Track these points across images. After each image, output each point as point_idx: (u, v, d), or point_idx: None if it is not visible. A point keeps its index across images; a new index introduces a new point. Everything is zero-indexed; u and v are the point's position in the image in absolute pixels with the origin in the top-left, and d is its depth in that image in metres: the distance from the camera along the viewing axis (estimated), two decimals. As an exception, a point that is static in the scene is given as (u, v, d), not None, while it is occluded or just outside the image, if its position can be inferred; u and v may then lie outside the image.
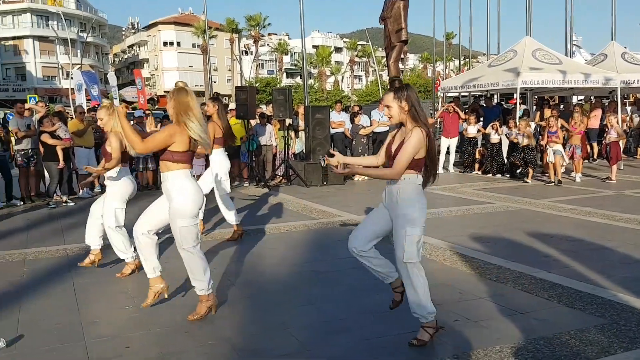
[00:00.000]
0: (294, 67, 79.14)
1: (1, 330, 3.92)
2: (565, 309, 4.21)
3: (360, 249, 3.71)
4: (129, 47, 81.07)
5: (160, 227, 4.26)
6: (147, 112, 14.64)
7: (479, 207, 8.78)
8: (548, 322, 3.92)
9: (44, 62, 58.19)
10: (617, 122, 12.09)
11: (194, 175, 4.17)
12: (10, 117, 15.90)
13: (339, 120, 13.88)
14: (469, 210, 8.56)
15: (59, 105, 16.82)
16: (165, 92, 62.80)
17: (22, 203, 9.95)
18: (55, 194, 9.84)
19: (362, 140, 12.70)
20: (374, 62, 61.50)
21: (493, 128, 12.56)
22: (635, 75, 14.54)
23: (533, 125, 13.21)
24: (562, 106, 16.78)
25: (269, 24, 67.88)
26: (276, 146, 12.85)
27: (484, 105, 15.66)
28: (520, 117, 13.08)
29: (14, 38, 57.60)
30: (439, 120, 14.42)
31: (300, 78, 68.18)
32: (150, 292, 4.28)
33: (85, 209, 5.72)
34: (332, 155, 3.73)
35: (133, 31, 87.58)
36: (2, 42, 57.62)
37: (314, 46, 77.47)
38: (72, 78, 27.68)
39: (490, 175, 12.62)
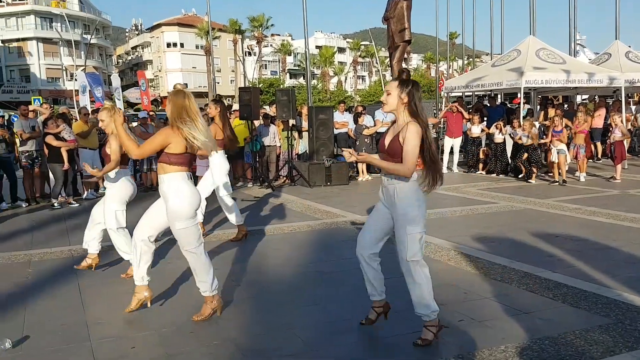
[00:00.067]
0: (297, 68, 79.17)
1: (7, 331, 3.94)
2: (570, 308, 4.20)
3: (370, 252, 3.74)
4: (132, 48, 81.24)
5: (160, 231, 4.27)
6: (151, 113, 14.65)
7: (483, 207, 8.77)
8: (553, 322, 3.92)
9: (48, 64, 58.36)
10: (622, 122, 12.05)
11: (191, 178, 4.18)
12: (15, 119, 15.96)
13: (343, 120, 13.88)
14: (473, 210, 8.55)
15: (63, 107, 16.88)
16: (169, 93, 62.82)
17: (26, 204, 9.99)
18: (59, 195, 9.87)
19: (366, 140, 12.69)
20: (377, 63, 61.44)
21: (497, 128, 12.54)
22: (640, 74, 14.51)
23: (537, 124, 13.17)
24: (566, 106, 16.73)
25: (272, 25, 67.95)
26: (280, 147, 12.85)
27: (488, 105, 15.64)
28: (524, 117, 13.06)
29: (18, 40, 57.79)
30: (442, 120, 14.41)
31: (304, 78, 68.23)
32: (135, 298, 4.29)
33: (90, 210, 5.74)
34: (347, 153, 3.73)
35: (137, 33, 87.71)
36: (6, 44, 57.83)
37: (317, 47, 77.49)
38: (76, 80, 27.77)
39: (494, 175, 12.60)
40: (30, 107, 11.36)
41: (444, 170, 13.79)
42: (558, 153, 10.94)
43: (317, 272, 5.43)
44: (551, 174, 11.55)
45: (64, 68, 54.87)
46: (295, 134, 13.01)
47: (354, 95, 67.72)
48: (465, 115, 13.71)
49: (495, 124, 12.70)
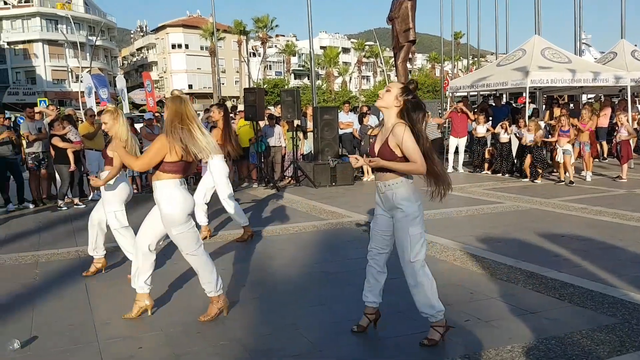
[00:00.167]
0: (301, 68, 79.24)
1: (15, 332, 3.97)
2: (576, 308, 4.20)
3: (380, 269, 3.77)
4: (137, 50, 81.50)
5: (159, 238, 4.29)
6: (157, 114, 14.71)
7: (489, 207, 8.76)
8: (559, 322, 3.91)
9: (53, 66, 58.61)
10: (628, 121, 12.02)
11: (187, 182, 4.19)
12: (21, 121, 16.04)
13: (347, 120, 13.90)
14: (479, 210, 8.54)
15: (69, 109, 16.94)
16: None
17: (33, 206, 10.04)
18: (66, 197, 9.92)
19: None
20: (381, 63, 61.42)
21: (502, 127, 12.52)
22: (646, 73, 14.44)
23: (542, 124, 13.14)
24: (571, 105, 16.70)
25: (276, 26, 68.06)
26: (285, 147, 12.87)
27: (493, 104, 15.61)
28: (529, 117, 13.03)
29: (23, 42, 58.07)
30: (447, 120, 14.39)
31: (308, 79, 68.25)
32: (135, 306, 4.29)
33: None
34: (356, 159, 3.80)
35: (142, 34, 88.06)
36: (12, 46, 58.12)
37: (321, 47, 77.52)
38: (81, 81, 27.87)
39: (500, 174, 12.58)
40: (36, 109, 11.42)
41: (449, 169, 13.79)
42: (564, 153, 10.91)
43: (323, 273, 5.44)
44: (557, 174, 11.53)
45: (69, 70, 55.16)
46: (300, 135, 13.03)
47: (358, 96, 67.76)
48: (471, 116, 13.69)
49: (500, 123, 12.68)
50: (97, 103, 21.85)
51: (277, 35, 79.26)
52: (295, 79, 76.46)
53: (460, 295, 4.56)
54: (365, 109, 14.42)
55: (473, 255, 5.79)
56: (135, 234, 4.55)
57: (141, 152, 5.32)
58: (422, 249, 3.57)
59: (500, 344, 3.56)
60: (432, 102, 19.26)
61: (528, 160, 11.58)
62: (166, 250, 6.37)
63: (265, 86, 54.65)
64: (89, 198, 10.63)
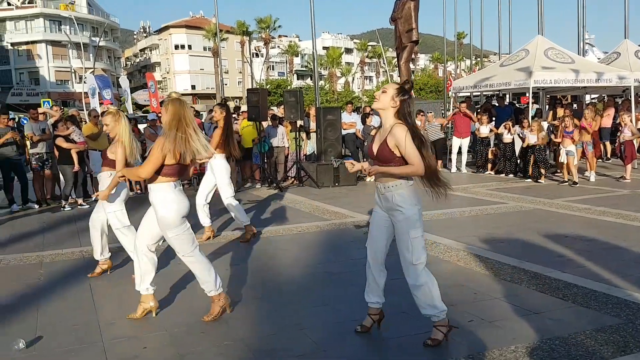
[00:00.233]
0: (304, 69, 79.27)
1: (20, 332, 3.99)
2: (580, 308, 4.20)
3: (379, 269, 3.77)
4: (140, 50, 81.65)
5: (157, 239, 4.30)
6: (160, 115, 14.74)
7: (492, 207, 8.75)
8: (563, 322, 3.91)
9: (57, 67, 58.77)
10: (631, 121, 11.98)
11: (192, 183, 4.20)
12: (25, 122, 16.07)
13: (350, 121, 13.90)
14: (482, 210, 8.54)
15: (72, 109, 17.00)
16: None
17: (37, 206, 10.07)
18: (70, 197, 9.95)
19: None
20: (384, 63, 61.42)
21: (505, 128, 12.51)
22: (650, 73, 14.40)
23: (546, 124, 13.12)
24: (575, 105, 16.66)
25: (279, 26, 68.08)
26: (288, 148, 12.88)
27: (497, 105, 15.60)
28: (533, 117, 13.02)
29: (27, 43, 58.24)
30: (450, 120, 14.40)
31: (311, 79, 68.28)
32: (140, 307, 4.30)
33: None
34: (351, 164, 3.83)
35: (145, 35, 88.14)
36: (16, 47, 58.30)
37: (324, 47, 77.53)
38: (85, 82, 27.94)
39: (503, 175, 12.57)
40: (40, 110, 11.44)
41: (453, 169, 13.80)
42: (567, 154, 10.89)
43: (326, 273, 5.45)
44: (560, 174, 11.51)
45: (72, 70, 55.26)
46: (303, 135, 13.04)
47: (361, 96, 67.74)
48: (474, 118, 13.71)
49: (503, 124, 12.67)
50: (101, 104, 21.89)
51: (279, 36, 79.33)
52: (298, 79, 76.48)
53: (464, 296, 4.56)
54: (368, 110, 14.42)
55: (476, 255, 5.79)
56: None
57: (144, 152, 5.33)
58: (423, 251, 3.59)
59: (504, 344, 3.56)
60: (435, 103, 19.26)
61: (532, 160, 11.57)
62: (169, 251, 6.37)
63: (268, 87, 54.69)
64: (93, 198, 10.64)
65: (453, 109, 15.72)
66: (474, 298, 4.52)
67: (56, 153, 10.01)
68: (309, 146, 13.36)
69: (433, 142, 14.41)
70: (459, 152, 13.87)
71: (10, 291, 5.11)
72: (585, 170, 11.68)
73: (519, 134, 12.16)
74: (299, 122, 12.37)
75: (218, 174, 6.80)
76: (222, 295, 4.25)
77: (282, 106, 13.33)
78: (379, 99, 3.61)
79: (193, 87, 69.68)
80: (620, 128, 11.87)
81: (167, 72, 71.85)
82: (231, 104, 37.91)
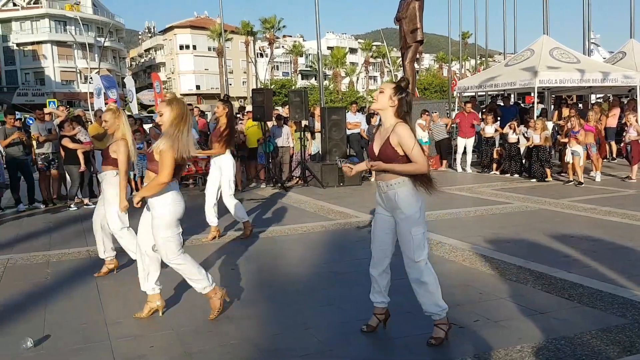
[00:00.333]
0: (308, 69, 79.31)
1: (28, 330, 4.02)
2: (586, 308, 4.19)
3: (381, 270, 3.77)
4: (145, 51, 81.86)
5: None
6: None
7: (498, 207, 8.74)
8: (569, 322, 3.91)
9: (62, 67, 59.01)
10: (637, 121, 11.94)
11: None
12: (30, 122, 16.14)
13: (355, 121, 13.91)
14: (488, 210, 8.53)
15: (78, 110, 17.05)
16: (181, 95, 63.30)
17: (44, 206, 10.12)
18: (76, 197, 10.00)
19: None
20: (389, 63, 61.40)
21: (510, 128, 12.49)
22: (655, 72, 14.36)
23: (551, 124, 13.10)
24: (580, 105, 16.63)
25: (283, 26, 68.19)
26: (293, 147, 12.89)
27: (502, 104, 15.59)
28: (538, 117, 13.00)
29: (32, 43, 58.52)
30: (455, 120, 14.39)
31: (315, 79, 68.33)
32: (147, 306, 4.32)
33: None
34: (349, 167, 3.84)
35: (149, 35, 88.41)
36: (21, 47, 58.57)
37: (328, 47, 77.56)
38: (91, 82, 28.02)
39: (509, 175, 12.55)
40: (46, 110, 11.50)
41: (458, 169, 13.79)
42: (573, 154, 10.86)
43: (331, 273, 5.46)
44: (565, 174, 11.49)
45: (78, 71, 55.48)
46: (308, 135, 13.06)
47: (365, 96, 67.77)
48: (477, 120, 13.75)
49: (509, 123, 12.66)
50: (106, 104, 21.96)
51: (284, 36, 79.41)
52: (302, 79, 76.55)
53: (470, 296, 4.56)
54: (372, 109, 14.42)
55: (482, 255, 5.79)
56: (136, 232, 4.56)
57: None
58: (425, 249, 3.60)
59: (509, 344, 3.57)
60: (440, 103, 19.19)
61: (536, 155, 11.58)
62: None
63: (272, 87, 54.73)
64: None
65: (458, 109, 15.70)
66: (480, 298, 4.52)
67: (62, 153, 10.06)
68: (314, 146, 13.37)
69: (438, 142, 14.43)
70: (464, 152, 13.86)
71: (17, 290, 5.14)
72: (591, 171, 11.65)
73: (523, 134, 12.14)
74: (304, 122, 12.39)
75: (227, 171, 6.87)
76: (217, 288, 4.26)
77: (287, 106, 13.35)
78: (377, 99, 3.62)
79: (198, 87, 69.80)
80: (625, 128, 11.83)
81: (172, 72, 72.02)
82: (236, 104, 37.85)
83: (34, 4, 59.35)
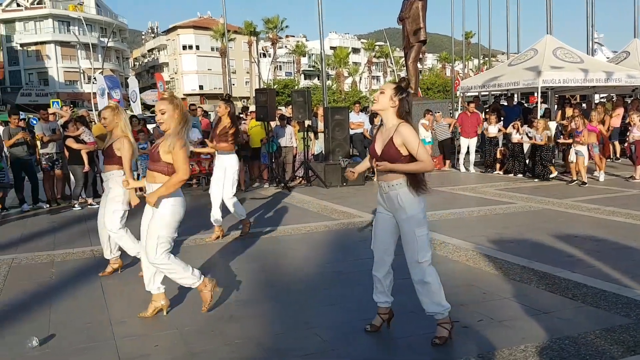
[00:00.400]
0: (311, 69, 79.31)
1: (33, 330, 4.04)
2: (589, 308, 4.19)
3: (384, 272, 3.77)
4: (148, 51, 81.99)
5: None
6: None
7: (501, 207, 8.74)
8: (573, 322, 3.91)
9: (65, 67, 59.14)
10: (640, 120, 11.90)
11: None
12: (34, 122, 16.18)
13: (358, 120, 13.91)
14: (491, 210, 8.53)
15: (82, 110, 17.08)
16: (185, 95, 63.41)
17: (48, 206, 10.15)
18: (80, 197, 10.03)
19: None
20: (392, 63, 61.41)
21: (514, 127, 12.48)
22: (659, 72, 14.33)
23: (555, 124, 13.08)
24: (584, 105, 16.59)
25: (286, 27, 68.22)
26: (296, 147, 12.90)
27: (505, 104, 15.58)
28: (541, 117, 12.99)
29: (36, 43, 58.67)
30: (457, 123, 14.39)
31: (318, 79, 68.31)
32: (151, 305, 4.33)
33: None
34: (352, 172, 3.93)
35: (153, 35, 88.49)
36: (25, 48, 58.73)
37: (331, 47, 77.52)
38: (94, 83, 28.09)
39: (512, 175, 12.54)
40: (50, 110, 11.53)
41: (462, 169, 13.79)
42: (576, 154, 10.84)
43: (335, 272, 5.46)
44: (569, 174, 11.47)
45: (81, 71, 55.59)
46: (311, 135, 13.07)
47: (368, 96, 67.74)
48: (480, 120, 13.76)
49: (512, 123, 12.64)
50: (110, 104, 21.96)
51: (287, 36, 79.44)
52: (305, 79, 76.56)
53: (473, 295, 4.56)
54: (376, 109, 14.41)
55: (486, 255, 5.79)
56: (135, 234, 4.57)
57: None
58: (429, 249, 3.60)
59: (513, 344, 3.57)
60: (443, 102, 19.18)
61: (539, 154, 11.59)
62: (177, 252, 6.44)
63: (275, 87, 54.76)
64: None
65: (461, 109, 15.69)
66: (484, 298, 4.52)
67: (66, 153, 10.09)
68: (317, 146, 13.38)
69: (441, 142, 14.43)
70: (467, 152, 13.85)
71: (22, 290, 5.16)
72: (594, 171, 11.63)
73: (527, 133, 12.13)
74: (307, 122, 12.40)
75: (232, 171, 6.92)
76: (206, 280, 4.27)
77: (290, 106, 13.36)
78: (378, 100, 3.63)
79: (201, 87, 69.89)
80: (629, 128, 11.81)
81: (175, 73, 72.12)
82: (239, 104, 37.88)
83: (37, 4, 59.50)
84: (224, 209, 7.08)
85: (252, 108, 14.61)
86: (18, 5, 59.86)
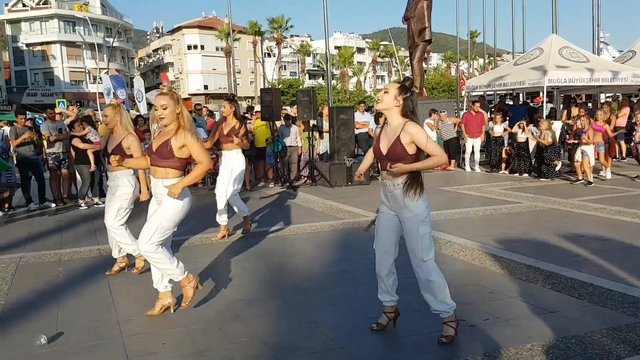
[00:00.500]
0: (316, 69, 79.33)
1: (41, 328, 4.06)
2: (596, 307, 4.19)
3: (387, 270, 3.78)
4: (154, 51, 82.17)
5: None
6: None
7: (507, 206, 8.73)
8: (579, 321, 3.91)
9: (71, 67, 59.37)
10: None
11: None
12: (40, 121, 16.24)
13: (363, 120, 13.93)
14: (497, 210, 8.52)
15: (88, 110, 17.16)
16: (189, 95, 63.53)
17: (54, 205, 10.20)
18: (86, 196, 10.08)
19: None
20: (396, 62, 61.31)
21: (519, 127, 12.46)
22: (665, 71, 14.27)
23: (560, 124, 13.05)
24: (589, 104, 16.55)
25: (291, 26, 68.27)
26: (301, 147, 12.92)
27: (511, 104, 15.55)
28: (547, 116, 12.96)
29: (41, 43, 58.92)
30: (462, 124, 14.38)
31: (323, 79, 68.33)
32: (158, 303, 4.35)
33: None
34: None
35: (158, 35, 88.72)
36: (31, 48, 58.99)
37: (336, 47, 77.55)
38: (99, 82, 28.16)
39: (517, 174, 12.52)
40: (57, 110, 11.58)
41: (467, 169, 13.78)
42: (582, 154, 10.82)
43: (340, 271, 5.47)
44: (575, 173, 11.44)
45: (87, 71, 55.75)
46: (316, 134, 13.08)
47: (373, 95, 67.68)
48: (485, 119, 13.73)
49: (518, 123, 12.63)
50: (115, 104, 22.01)
51: (291, 36, 79.47)
52: (309, 79, 76.59)
53: (480, 295, 4.57)
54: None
55: (491, 254, 5.79)
56: (135, 235, 4.57)
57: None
58: (432, 247, 3.62)
59: (519, 343, 3.57)
60: (448, 102, 19.19)
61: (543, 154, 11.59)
62: (183, 250, 6.46)
63: (280, 86, 54.77)
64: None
65: (466, 108, 15.66)
66: (490, 297, 4.52)
67: (73, 153, 10.13)
68: (322, 145, 13.40)
69: (446, 141, 14.42)
70: (472, 152, 13.83)
71: (30, 288, 5.19)
72: (600, 170, 11.60)
73: (532, 133, 12.11)
74: (312, 122, 12.42)
75: (238, 170, 6.97)
76: (190, 276, 4.28)
77: (295, 106, 13.37)
78: (382, 100, 3.63)
79: (206, 87, 69.99)
80: (635, 127, 11.77)
81: (180, 72, 72.25)
82: (244, 104, 37.88)
83: (43, 4, 59.75)
84: (229, 208, 7.12)
85: (257, 108, 14.65)
86: (24, 5, 60.12)
